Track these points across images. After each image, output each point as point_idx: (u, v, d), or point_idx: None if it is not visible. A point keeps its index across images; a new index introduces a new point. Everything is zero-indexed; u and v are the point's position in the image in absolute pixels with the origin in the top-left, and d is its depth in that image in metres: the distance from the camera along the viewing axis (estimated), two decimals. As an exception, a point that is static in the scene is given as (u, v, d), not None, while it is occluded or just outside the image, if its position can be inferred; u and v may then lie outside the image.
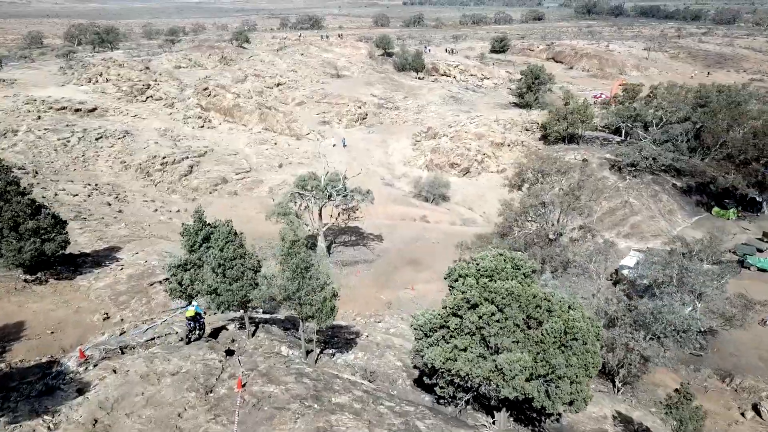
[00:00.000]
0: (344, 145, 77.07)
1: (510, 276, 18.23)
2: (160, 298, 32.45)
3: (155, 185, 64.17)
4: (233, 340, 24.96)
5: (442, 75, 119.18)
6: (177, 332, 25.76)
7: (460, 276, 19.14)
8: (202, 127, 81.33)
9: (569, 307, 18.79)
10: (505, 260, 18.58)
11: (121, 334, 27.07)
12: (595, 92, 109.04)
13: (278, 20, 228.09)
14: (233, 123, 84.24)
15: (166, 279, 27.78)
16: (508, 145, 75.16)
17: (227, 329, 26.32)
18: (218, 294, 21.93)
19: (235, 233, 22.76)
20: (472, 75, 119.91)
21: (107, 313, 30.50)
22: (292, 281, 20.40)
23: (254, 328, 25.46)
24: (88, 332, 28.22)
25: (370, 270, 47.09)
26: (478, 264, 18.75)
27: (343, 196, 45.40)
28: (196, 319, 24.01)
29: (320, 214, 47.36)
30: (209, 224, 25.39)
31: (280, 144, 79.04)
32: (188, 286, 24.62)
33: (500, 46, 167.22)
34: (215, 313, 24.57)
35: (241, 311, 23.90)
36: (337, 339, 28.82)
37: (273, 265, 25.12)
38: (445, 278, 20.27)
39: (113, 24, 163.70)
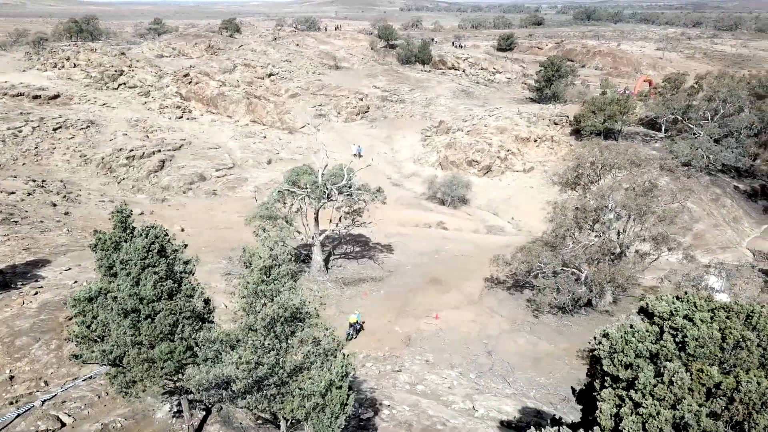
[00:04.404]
0: (360, 155, 63.96)
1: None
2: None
3: (118, 183, 53.57)
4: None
5: (450, 68, 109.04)
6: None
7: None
8: (181, 117, 70.76)
9: None
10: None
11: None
12: (618, 88, 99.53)
13: (274, 22, 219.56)
14: (217, 114, 73.69)
15: (70, 318, 17.16)
16: (535, 141, 64.88)
17: (155, 414, 15.61)
18: (124, 367, 11.39)
19: (161, 251, 12.23)
20: (482, 69, 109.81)
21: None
22: (262, 351, 9.93)
23: (202, 415, 14.82)
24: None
25: (381, 291, 36.51)
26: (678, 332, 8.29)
27: (348, 195, 34.82)
28: (355, 328, 30.12)
29: (317, 218, 36.71)
30: (148, 230, 14.84)
31: (270, 138, 68.56)
32: (102, 332, 14.17)
33: (507, 44, 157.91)
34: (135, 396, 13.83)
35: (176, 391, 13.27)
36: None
37: (236, 305, 14.09)
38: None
39: (108, 24, 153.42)
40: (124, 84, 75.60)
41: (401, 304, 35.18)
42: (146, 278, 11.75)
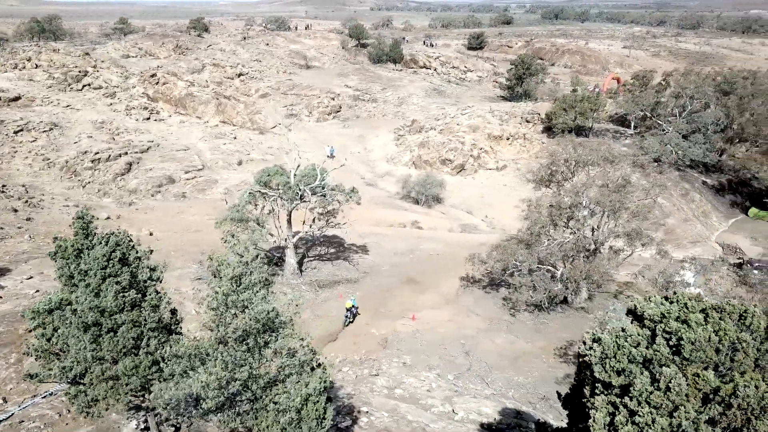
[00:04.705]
0: (332, 156, 62.75)
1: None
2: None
3: (83, 187, 51.88)
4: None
5: (422, 67, 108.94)
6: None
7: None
8: (148, 119, 69.05)
9: None
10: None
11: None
12: (588, 86, 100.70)
13: (243, 22, 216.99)
14: (185, 115, 72.13)
15: (30, 330, 16.23)
16: (507, 139, 64.99)
17: None
18: (85, 385, 10.61)
19: (123, 259, 11.47)
20: (454, 67, 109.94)
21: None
22: (234, 366, 9.28)
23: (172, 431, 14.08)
24: None
25: (356, 293, 35.86)
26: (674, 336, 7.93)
27: (321, 196, 34.13)
28: (352, 312, 31.60)
29: (289, 220, 35.93)
30: (108, 237, 14.01)
31: (241, 138, 67.34)
32: (63, 346, 13.31)
33: (477, 43, 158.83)
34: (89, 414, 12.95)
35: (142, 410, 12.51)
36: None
37: (206, 317, 13.29)
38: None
39: (72, 24, 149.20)
40: (89, 85, 73.49)
41: (377, 305, 34.64)
42: (107, 289, 10.99)
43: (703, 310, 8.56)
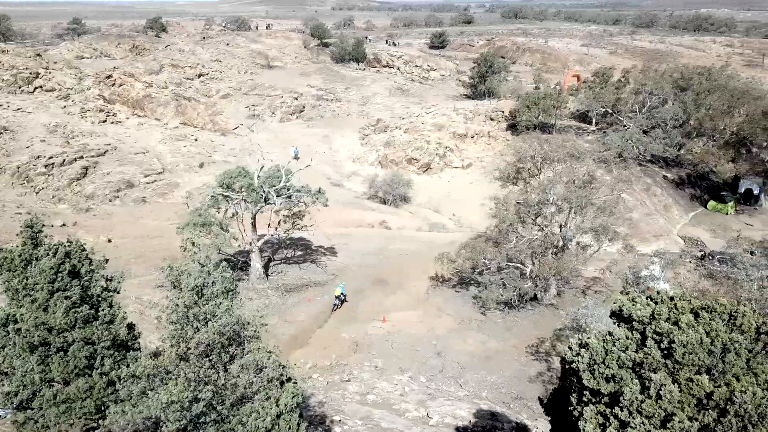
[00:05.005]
0: (297, 158, 60.63)
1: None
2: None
3: (36, 193, 49.70)
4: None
5: (385, 66, 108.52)
6: None
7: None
8: (105, 121, 66.77)
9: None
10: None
11: None
12: (551, 83, 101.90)
13: (202, 22, 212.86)
14: (144, 117, 70.04)
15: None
16: (472, 137, 65.04)
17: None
18: (34, 410, 9.69)
19: (73, 272, 10.56)
20: (417, 66, 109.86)
21: None
22: (197, 385, 8.54)
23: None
24: None
25: (325, 296, 35.13)
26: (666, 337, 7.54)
27: (287, 198, 33.26)
28: (341, 299, 33.33)
29: (254, 223, 34.91)
30: (56, 248, 13.00)
31: (202, 140, 65.68)
32: (9, 367, 12.28)
33: (439, 42, 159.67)
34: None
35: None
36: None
37: (165, 333, 12.23)
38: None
39: (22, 24, 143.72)
40: (41, 87, 70.70)
41: (347, 308, 34.01)
42: (56, 304, 10.11)
43: (692, 311, 8.23)
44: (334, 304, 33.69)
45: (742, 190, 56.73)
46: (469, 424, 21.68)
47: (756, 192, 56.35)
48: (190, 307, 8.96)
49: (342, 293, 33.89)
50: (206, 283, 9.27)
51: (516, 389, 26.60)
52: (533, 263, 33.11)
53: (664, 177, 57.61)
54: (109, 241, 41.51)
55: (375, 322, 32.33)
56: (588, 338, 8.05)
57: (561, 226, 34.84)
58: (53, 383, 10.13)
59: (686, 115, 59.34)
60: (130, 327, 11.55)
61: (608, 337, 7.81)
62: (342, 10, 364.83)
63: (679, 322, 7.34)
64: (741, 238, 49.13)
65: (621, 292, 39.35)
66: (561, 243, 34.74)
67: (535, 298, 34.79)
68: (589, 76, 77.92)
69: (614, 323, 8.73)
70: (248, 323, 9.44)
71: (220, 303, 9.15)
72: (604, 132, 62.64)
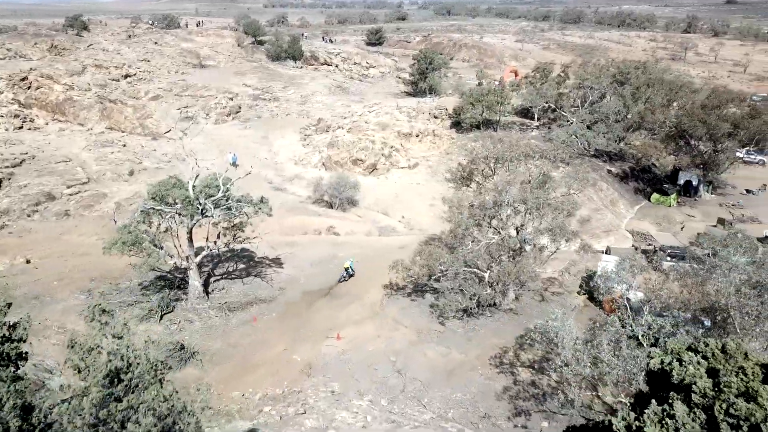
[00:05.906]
0: (236, 165, 56.81)
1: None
2: None
3: (-59, 210, 44.60)
4: None
5: (323, 64, 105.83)
6: None
7: None
8: (20, 128, 61.33)
9: None
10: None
11: None
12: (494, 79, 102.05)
13: (128, 20, 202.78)
14: (65, 122, 64.86)
15: None
16: (417, 136, 63.51)
17: None
18: None
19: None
20: (356, 64, 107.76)
21: None
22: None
23: None
24: None
25: (273, 314, 32.58)
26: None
27: (226, 209, 30.48)
28: (349, 273, 35.76)
29: (190, 238, 31.88)
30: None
31: (131, 146, 61.27)
32: None
33: (376, 39, 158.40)
34: None
35: None
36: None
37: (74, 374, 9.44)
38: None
39: None
40: (-56, 92, 64.27)
41: (298, 325, 31.59)
42: None
43: (740, 368, 6.51)
44: (342, 276, 35.63)
45: (681, 182, 57.70)
46: (440, 454, 19.87)
47: (695, 183, 57.40)
48: (100, 407, 6.45)
49: (351, 267, 35.71)
50: (122, 367, 6.80)
51: (483, 407, 25.06)
52: (491, 268, 31.70)
53: (609, 171, 57.87)
54: (28, 261, 37.51)
55: (329, 339, 30.12)
56: (637, 421, 6.16)
57: (517, 228, 33.67)
58: None
59: (626, 109, 59.86)
60: (23, 390, 8.79)
61: (668, 421, 5.96)
62: (275, 7, 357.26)
63: (758, 398, 5.64)
64: (684, 230, 49.68)
65: (578, 293, 38.79)
66: (518, 246, 33.55)
67: (493, 303, 33.46)
68: (530, 71, 77.92)
69: (660, 393, 6.90)
70: (186, 410, 7.03)
71: (145, 392, 6.73)
72: (549, 127, 62.50)
